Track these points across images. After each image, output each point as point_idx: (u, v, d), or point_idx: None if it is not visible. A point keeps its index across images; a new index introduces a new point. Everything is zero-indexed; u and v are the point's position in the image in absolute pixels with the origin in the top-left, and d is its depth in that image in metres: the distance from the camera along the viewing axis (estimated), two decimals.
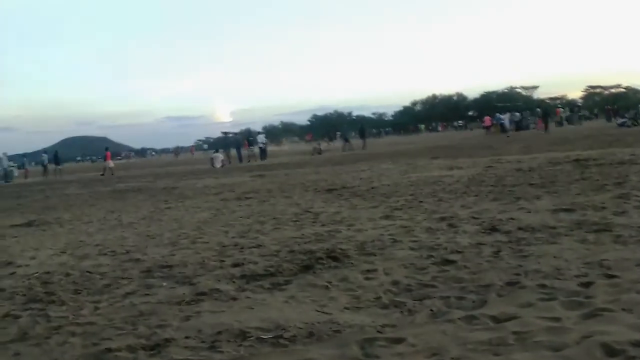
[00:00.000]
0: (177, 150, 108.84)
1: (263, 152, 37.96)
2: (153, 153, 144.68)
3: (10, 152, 50.45)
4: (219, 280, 5.19)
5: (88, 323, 4.26)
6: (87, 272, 6.07)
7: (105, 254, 7.07)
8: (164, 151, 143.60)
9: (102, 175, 34.09)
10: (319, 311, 4.10)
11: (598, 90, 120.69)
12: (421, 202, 9.29)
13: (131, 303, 4.71)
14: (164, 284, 5.26)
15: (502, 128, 47.90)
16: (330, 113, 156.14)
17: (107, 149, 40.55)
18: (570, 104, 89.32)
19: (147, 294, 4.94)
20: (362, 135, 45.49)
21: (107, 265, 6.34)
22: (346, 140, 43.68)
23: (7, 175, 37.06)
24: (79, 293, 5.20)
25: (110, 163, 37.45)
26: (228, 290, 4.82)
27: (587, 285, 4.10)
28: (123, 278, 5.64)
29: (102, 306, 4.70)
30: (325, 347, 3.41)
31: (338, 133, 52.30)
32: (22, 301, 5.10)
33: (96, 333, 4.01)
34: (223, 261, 6.03)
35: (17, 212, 13.75)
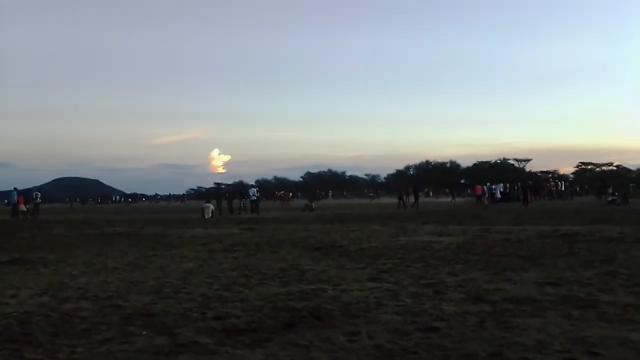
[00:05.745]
0: (183, 198, 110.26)
1: (255, 205, 37.89)
2: (143, 199, 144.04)
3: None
4: (200, 333, 5.13)
5: None
6: (67, 315, 6.00)
7: (86, 298, 6.99)
8: (155, 198, 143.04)
9: (20, 217, 34.18)
10: None
11: (590, 167, 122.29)
12: (409, 266, 9.27)
13: (108, 350, 4.63)
14: (144, 332, 5.19)
15: (493, 198, 48.18)
16: (323, 171, 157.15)
17: (19, 193, 39.63)
18: (562, 179, 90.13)
19: (126, 342, 4.87)
20: (416, 194, 46.13)
21: (87, 310, 6.26)
22: (400, 197, 44.18)
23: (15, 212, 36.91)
24: (57, 336, 5.12)
25: (23, 207, 37.00)
26: (208, 344, 4.76)
27: None
28: (103, 324, 5.56)
29: (79, 351, 4.62)
30: None
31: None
32: None
33: None
34: (205, 313, 5.97)
35: (1, 250, 13.60)
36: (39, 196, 41.39)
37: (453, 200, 61.56)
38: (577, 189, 78.29)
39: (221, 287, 7.66)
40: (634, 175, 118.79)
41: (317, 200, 66.30)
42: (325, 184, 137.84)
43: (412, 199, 45.03)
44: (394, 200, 49.58)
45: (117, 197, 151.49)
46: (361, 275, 8.45)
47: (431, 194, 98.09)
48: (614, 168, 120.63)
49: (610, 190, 54.35)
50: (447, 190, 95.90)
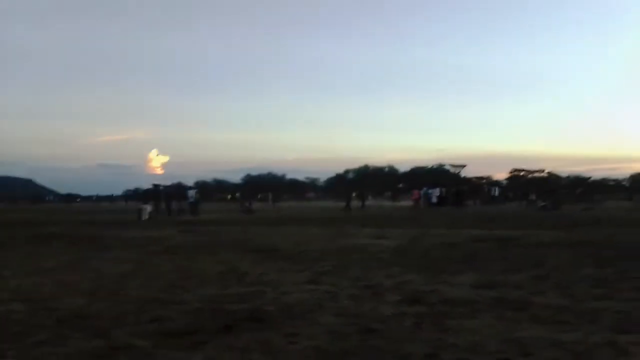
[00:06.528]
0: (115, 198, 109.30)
1: (194, 208, 37.46)
2: (78, 200, 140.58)
3: None
4: (136, 336, 5.04)
5: None
6: None
7: (19, 300, 6.77)
8: (90, 198, 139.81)
9: None
10: None
11: (522, 173, 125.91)
12: (347, 268, 9.34)
13: (42, 353, 4.51)
14: (78, 335, 5.06)
15: (429, 202, 49.03)
16: (263, 174, 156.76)
17: None
18: (495, 184, 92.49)
19: (60, 345, 4.74)
20: (362, 197, 48.31)
21: (20, 312, 6.07)
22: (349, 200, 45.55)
23: None
24: None
25: None
26: (144, 346, 4.68)
27: None
28: (36, 326, 5.40)
29: (10, 354, 4.48)
30: None
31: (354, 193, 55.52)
32: None
33: None
34: (141, 316, 5.86)
35: None
36: None
37: (396, 204, 63.08)
38: (511, 195, 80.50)
39: (159, 289, 7.54)
40: (564, 182, 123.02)
41: (274, 202, 66.39)
42: (265, 186, 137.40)
43: (355, 202, 46.43)
44: (334, 203, 50.24)
45: (51, 197, 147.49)
46: (301, 277, 8.47)
47: (369, 197, 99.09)
48: (545, 175, 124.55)
49: (533, 197, 56.61)
50: (389, 194, 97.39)
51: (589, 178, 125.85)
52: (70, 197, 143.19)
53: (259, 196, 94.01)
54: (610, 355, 4.37)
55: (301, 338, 4.92)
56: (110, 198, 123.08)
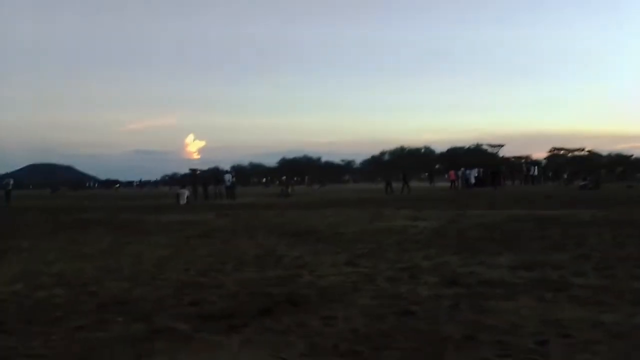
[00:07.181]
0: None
1: (231, 191, 37.73)
2: (117, 185, 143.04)
3: None
4: (176, 319, 5.10)
5: (37, 355, 4.15)
6: (41, 302, 5.93)
7: (61, 285, 6.91)
8: (130, 184, 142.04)
9: None
10: (274, 356, 4.05)
11: (562, 152, 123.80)
12: (385, 250, 9.31)
13: (84, 337, 4.60)
14: (119, 319, 5.15)
15: (467, 182, 48.53)
16: (299, 157, 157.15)
17: None
18: (534, 164, 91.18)
19: (101, 329, 4.83)
20: (404, 179, 46.09)
21: (62, 297, 6.20)
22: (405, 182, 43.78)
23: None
24: (31, 323, 5.07)
25: None
26: (184, 330, 4.74)
27: (543, 343, 4.14)
28: (77, 311, 5.51)
29: (53, 338, 4.58)
30: None
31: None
32: None
33: None
34: (181, 299, 5.94)
35: None
36: (10, 183, 40.85)
37: (432, 185, 62.48)
38: (550, 174, 79.30)
39: (197, 273, 7.63)
40: (605, 161, 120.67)
41: (312, 185, 66.28)
42: (300, 169, 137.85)
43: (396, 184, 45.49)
44: (371, 185, 49.93)
45: (92, 183, 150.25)
46: (337, 260, 8.47)
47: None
48: (586, 153, 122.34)
49: (565, 176, 55.82)
50: (425, 175, 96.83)
51: (631, 156, 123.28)
52: (110, 183, 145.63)
53: (295, 179, 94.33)
54: None
55: (338, 320, 4.93)
56: (153, 183, 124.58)
